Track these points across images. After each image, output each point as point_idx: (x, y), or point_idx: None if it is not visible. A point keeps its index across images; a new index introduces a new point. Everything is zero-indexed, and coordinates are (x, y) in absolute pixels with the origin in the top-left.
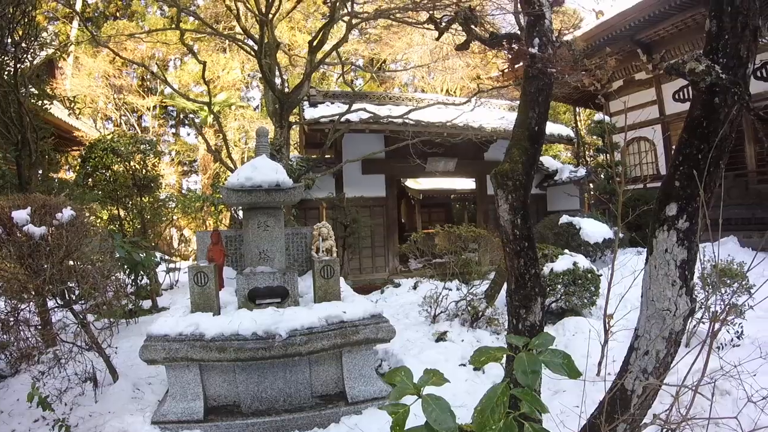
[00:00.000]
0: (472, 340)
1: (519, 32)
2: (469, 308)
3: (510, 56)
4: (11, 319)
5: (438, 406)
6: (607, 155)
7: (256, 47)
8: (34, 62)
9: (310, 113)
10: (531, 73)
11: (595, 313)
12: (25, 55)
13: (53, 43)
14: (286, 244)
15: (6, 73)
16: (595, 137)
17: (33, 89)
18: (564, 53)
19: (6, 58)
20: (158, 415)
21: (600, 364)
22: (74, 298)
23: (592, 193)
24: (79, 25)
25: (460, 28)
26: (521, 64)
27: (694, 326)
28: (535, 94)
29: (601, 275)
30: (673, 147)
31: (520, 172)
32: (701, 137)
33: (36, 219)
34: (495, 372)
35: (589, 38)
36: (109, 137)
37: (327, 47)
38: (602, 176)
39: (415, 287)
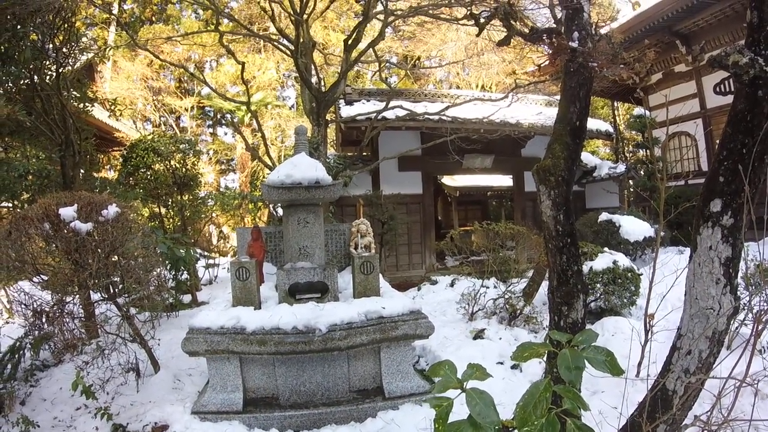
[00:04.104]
0: (510, 338)
1: (556, 26)
2: (507, 306)
3: (550, 51)
4: (57, 311)
5: (482, 400)
6: (647, 151)
7: (291, 47)
8: (75, 66)
9: (346, 111)
10: (571, 68)
11: (635, 313)
12: (66, 60)
13: (92, 47)
14: (325, 241)
15: (48, 77)
16: (634, 132)
17: (75, 92)
18: (603, 46)
19: (48, 63)
20: (198, 405)
21: (640, 364)
22: (118, 291)
23: (631, 189)
24: (117, 30)
25: (497, 23)
26: (560, 58)
27: (736, 328)
28: (575, 88)
29: (642, 274)
30: (716, 142)
31: (562, 167)
32: (745, 131)
33: (82, 216)
34: (532, 371)
35: (627, 30)
36: (149, 137)
37: (362, 45)
38: (642, 172)
39: (452, 284)
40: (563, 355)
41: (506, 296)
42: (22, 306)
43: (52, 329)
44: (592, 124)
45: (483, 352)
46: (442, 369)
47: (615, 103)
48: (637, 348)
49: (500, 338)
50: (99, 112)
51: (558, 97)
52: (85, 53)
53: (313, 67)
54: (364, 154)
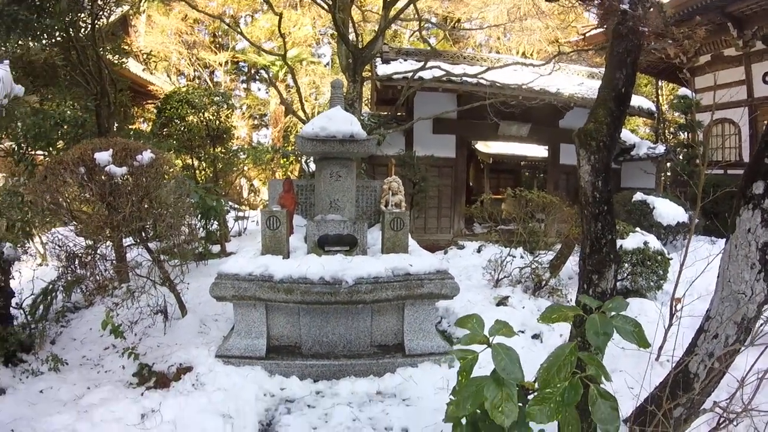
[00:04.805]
0: (533, 307)
1: None
2: (532, 276)
3: (599, 12)
4: (90, 254)
5: (508, 355)
6: (689, 134)
7: (329, 2)
8: (110, 19)
9: (382, 69)
10: (621, 32)
11: (660, 297)
12: (101, 12)
13: (127, 0)
14: (356, 196)
15: (83, 29)
16: (677, 114)
17: (109, 45)
18: (654, 15)
19: (83, 15)
20: (222, 349)
21: (661, 348)
22: (149, 237)
23: (668, 173)
24: None
25: None
26: (608, 23)
27: (761, 325)
28: (623, 54)
29: (671, 259)
30: (761, 130)
31: (605, 133)
32: None
33: (117, 160)
34: (552, 342)
35: (678, 5)
36: (184, 90)
37: (401, 3)
38: (681, 156)
39: (479, 251)
40: (592, 319)
41: (533, 266)
42: (57, 248)
43: (84, 273)
44: (635, 101)
45: (506, 318)
46: (470, 322)
47: (659, 82)
48: (661, 331)
49: (523, 307)
50: (134, 66)
51: (602, 69)
52: (120, 6)
53: (350, 22)
54: (399, 113)
